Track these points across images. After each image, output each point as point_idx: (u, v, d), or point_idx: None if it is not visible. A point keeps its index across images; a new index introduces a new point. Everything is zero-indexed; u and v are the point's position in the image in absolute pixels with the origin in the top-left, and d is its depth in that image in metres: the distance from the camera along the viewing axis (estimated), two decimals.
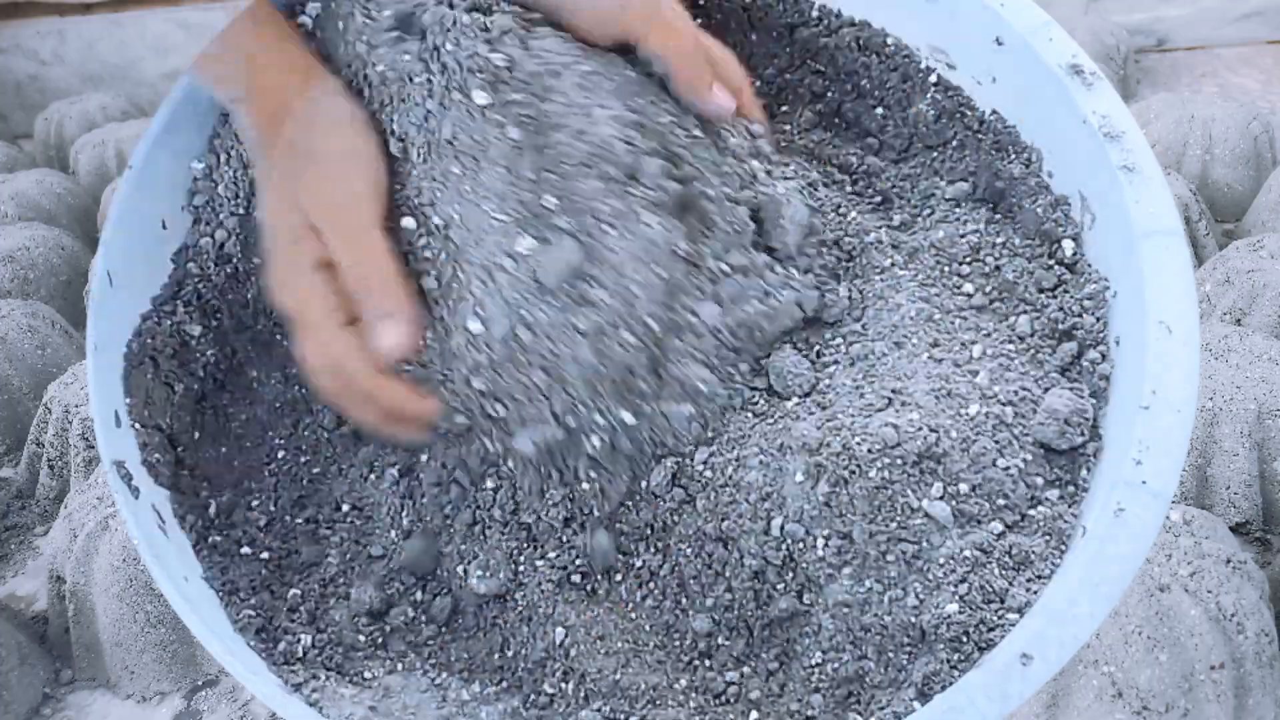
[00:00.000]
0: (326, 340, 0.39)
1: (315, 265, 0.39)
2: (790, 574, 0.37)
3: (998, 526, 0.35)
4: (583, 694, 0.38)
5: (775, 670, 0.36)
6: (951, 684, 0.32)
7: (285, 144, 0.40)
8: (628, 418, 0.38)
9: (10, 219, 1.17)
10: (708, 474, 0.38)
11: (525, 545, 0.41)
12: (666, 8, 0.41)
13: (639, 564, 0.39)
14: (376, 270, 0.38)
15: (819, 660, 0.36)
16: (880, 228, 0.44)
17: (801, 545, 0.36)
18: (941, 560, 0.35)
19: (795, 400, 0.39)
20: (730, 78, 0.43)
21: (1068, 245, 0.41)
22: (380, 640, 0.41)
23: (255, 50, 0.41)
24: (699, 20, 0.50)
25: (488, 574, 0.40)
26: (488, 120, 0.37)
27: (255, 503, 0.44)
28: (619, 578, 0.40)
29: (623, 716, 0.37)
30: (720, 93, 0.41)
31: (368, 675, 0.39)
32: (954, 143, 0.46)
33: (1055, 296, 0.41)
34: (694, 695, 0.37)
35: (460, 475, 0.41)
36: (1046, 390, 0.38)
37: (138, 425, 0.42)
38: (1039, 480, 0.36)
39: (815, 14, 0.49)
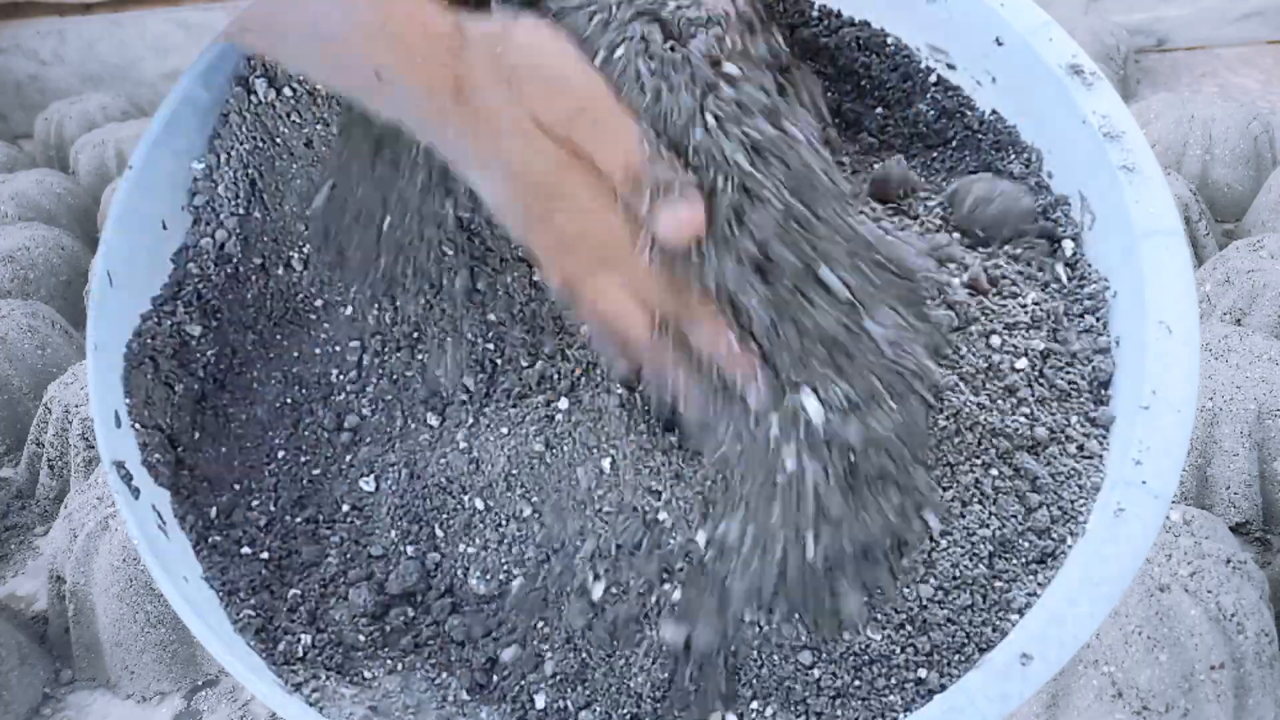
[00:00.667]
0: (643, 273, 0.34)
1: (594, 186, 0.34)
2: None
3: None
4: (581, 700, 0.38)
5: None
6: (951, 684, 0.32)
7: (493, 72, 0.34)
8: None
9: (10, 219, 1.17)
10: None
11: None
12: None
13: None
14: (644, 156, 0.33)
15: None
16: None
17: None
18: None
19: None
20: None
21: (1068, 245, 0.41)
22: (380, 640, 0.41)
23: (383, 7, 0.35)
24: None
25: (487, 576, 0.40)
26: None
27: (255, 503, 0.44)
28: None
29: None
30: None
31: (368, 675, 0.39)
32: (954, 143, 0.46)
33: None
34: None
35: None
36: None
37: (138, 425, 0.42)
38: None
39: (815, 14, 0.49)
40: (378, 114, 0.38)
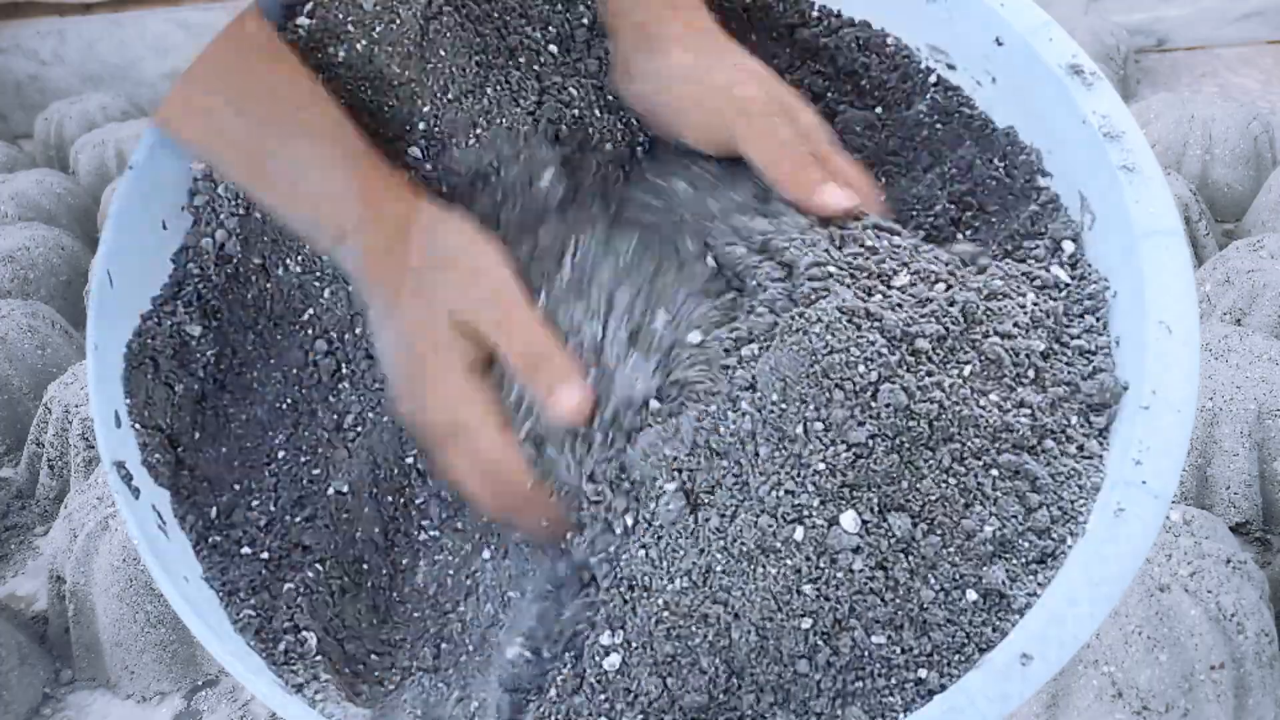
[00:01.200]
0: (487, 446, 0.38)
1: (468, 368, 0.39)
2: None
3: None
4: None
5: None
6: (951, 684, 0.32)
7: (421, 255, 0.40)
8: None
9: (10, 219, 1.17)
10: None
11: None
12: (759, 104, 0.41)
13: None
14: (545, 343, 0.38)
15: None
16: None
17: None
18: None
19: None
20: (843, 169, 0.41)
21: (1068, 245, 0.41)
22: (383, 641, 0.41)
23: (362, 181, 0.41)
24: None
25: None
26: None
27: (255, 503, 0.44)
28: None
29: None
30: (829, 192, 0.39)
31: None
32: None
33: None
34: None
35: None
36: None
37: (138, 425, 0.42)
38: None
39: (815, 14, 0.49)
40: (326, 255, 0.44)
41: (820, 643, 0.33)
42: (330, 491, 0.43)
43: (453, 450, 0.39)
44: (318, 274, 0.46)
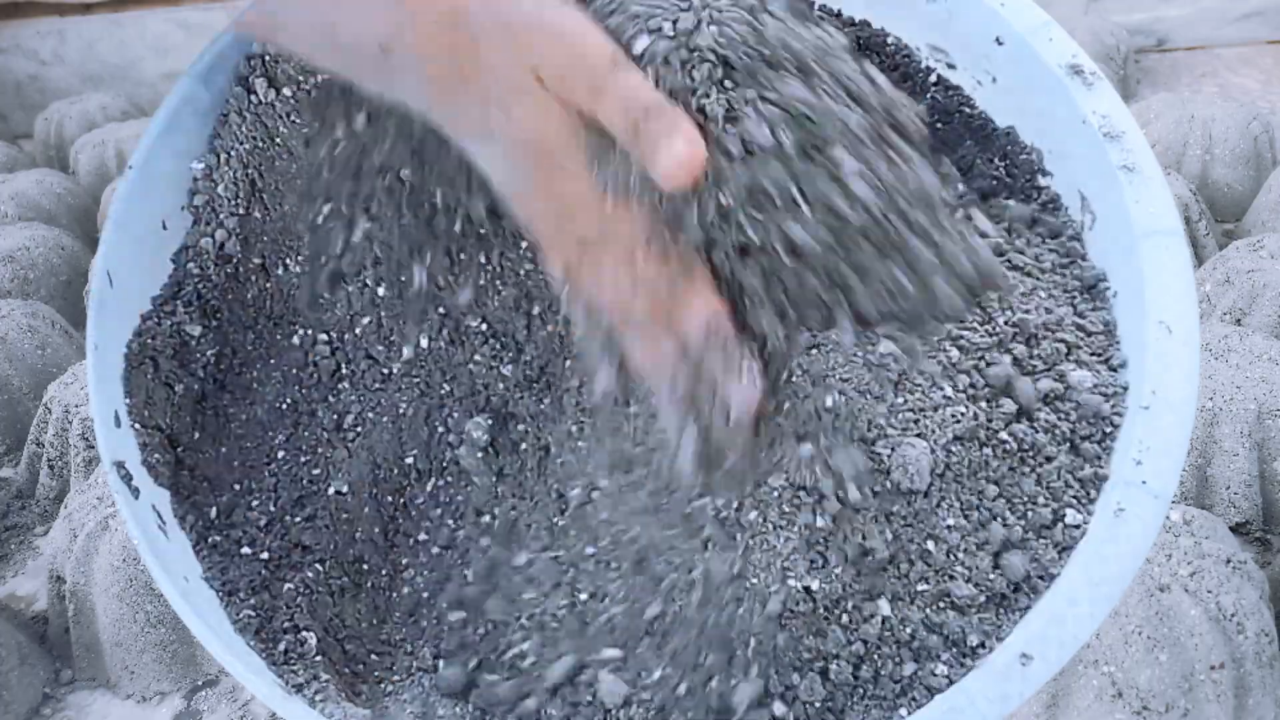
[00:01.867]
0: (621, 213, 0.32)
1: (576, 131, 0.33)
2: None
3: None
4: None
5: None
6: (951, 684, 0.32)
7: (492, 29, 0.33)
8: None
9: (10, 219, 1.17)
10: None
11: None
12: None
13: None
14: (652, 95, 0.32)
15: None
16: None
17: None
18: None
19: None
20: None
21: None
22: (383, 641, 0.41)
23: None
24: None
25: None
26: None
27: (255, 503, 0.44)
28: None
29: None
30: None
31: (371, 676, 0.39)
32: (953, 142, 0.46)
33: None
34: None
35: None
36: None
37: (138, 425, 0.42)
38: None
39: (815, 14, 0.49)
40: (379, 96, 0.37)
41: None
42: (330, 491, 0.43)
43: (606, 255, 0.33)
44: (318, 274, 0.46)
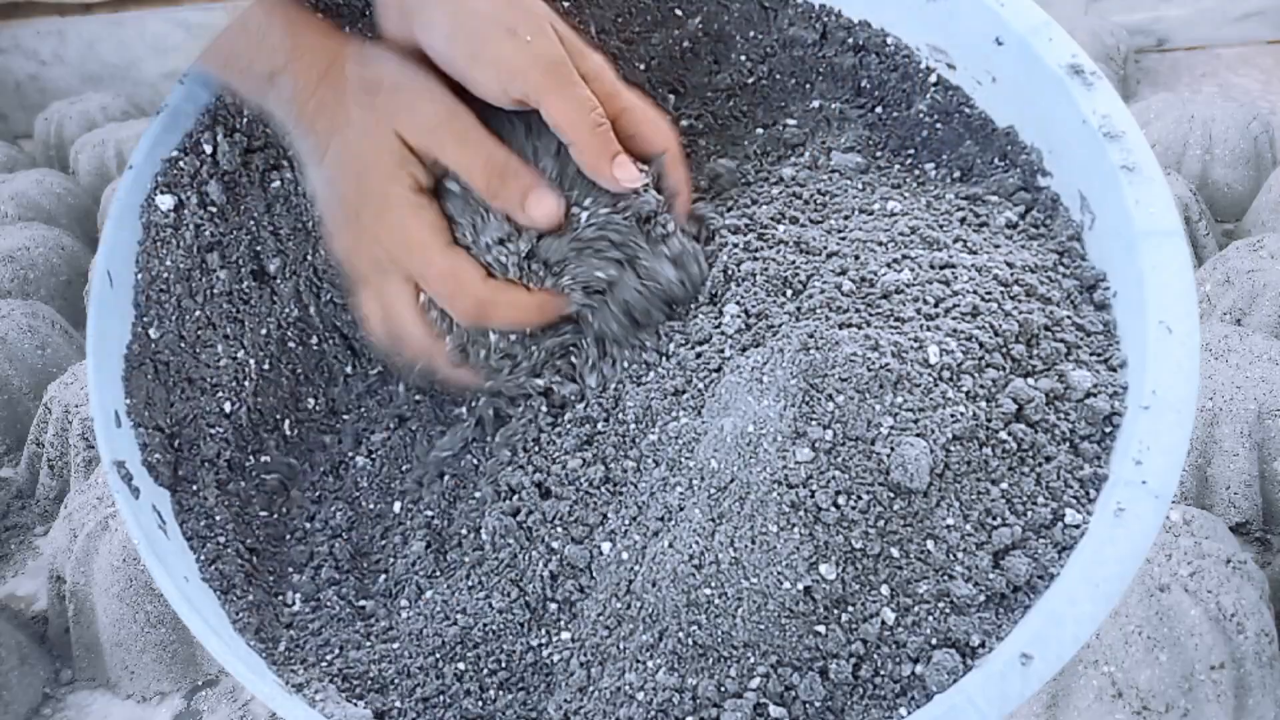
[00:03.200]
0: (436, 258, 0.38)
1: (417, 189, 0.39)
2: None
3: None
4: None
5: None
6: (951, 684, 0.32)
7: (358, 83, 0.39)
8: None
9: (10, 219, 1.17)
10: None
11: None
12: (566, 72, 0.39)
13: None
14: (507, 156, 0.38)
15: None
16: None
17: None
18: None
19: None
20: (652, 140, 0.41)
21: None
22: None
23: (287, 21, 0.41)
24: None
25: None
26: None
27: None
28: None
29: None
30: (624, 168, 0.39)
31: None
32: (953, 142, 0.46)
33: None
34: None
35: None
36: None
37: (138, 425, 0.42)
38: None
39: (815, 14, 0.49)
40: (267, 112, 0.43)
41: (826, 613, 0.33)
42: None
43: (393, 280, 0.39)
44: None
